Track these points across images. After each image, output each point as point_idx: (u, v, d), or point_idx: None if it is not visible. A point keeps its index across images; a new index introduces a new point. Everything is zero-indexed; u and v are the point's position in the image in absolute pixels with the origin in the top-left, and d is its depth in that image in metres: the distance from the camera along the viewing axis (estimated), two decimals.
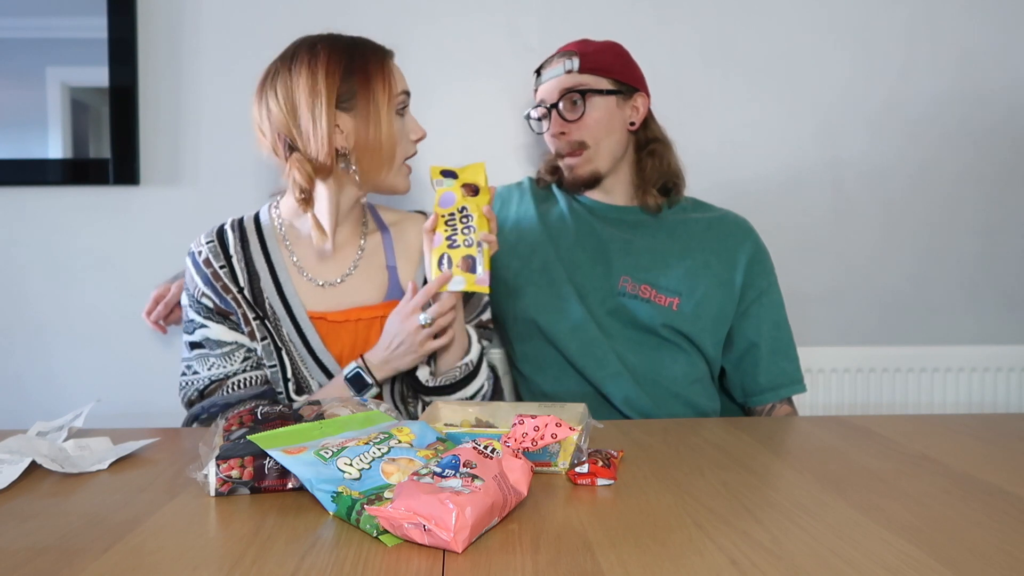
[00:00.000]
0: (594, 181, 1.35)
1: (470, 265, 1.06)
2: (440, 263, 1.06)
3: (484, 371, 1.17)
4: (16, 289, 1.63)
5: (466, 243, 1.06)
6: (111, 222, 1.63)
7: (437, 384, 1.13)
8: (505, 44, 1.66)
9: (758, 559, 0.61)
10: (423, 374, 1.14)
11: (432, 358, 1.16)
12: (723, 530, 0.67)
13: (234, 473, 0.77)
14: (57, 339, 1.63)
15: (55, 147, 1.59)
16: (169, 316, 1.34)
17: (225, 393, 1.12)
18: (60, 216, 1.62)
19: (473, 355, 1.15)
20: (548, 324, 1.30)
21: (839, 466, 0.87)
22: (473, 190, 1.09)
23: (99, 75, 1.58)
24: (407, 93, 1.13)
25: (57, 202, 1.62)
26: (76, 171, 1.60)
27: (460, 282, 1.06)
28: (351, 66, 1.08)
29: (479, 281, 1.05)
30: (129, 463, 0.89)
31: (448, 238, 1.06)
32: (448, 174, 1.10)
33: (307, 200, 1.08)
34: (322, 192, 1.13)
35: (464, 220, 1.07)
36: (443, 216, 1.07)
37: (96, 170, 1.60)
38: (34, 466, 0.85)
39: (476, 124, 1.67)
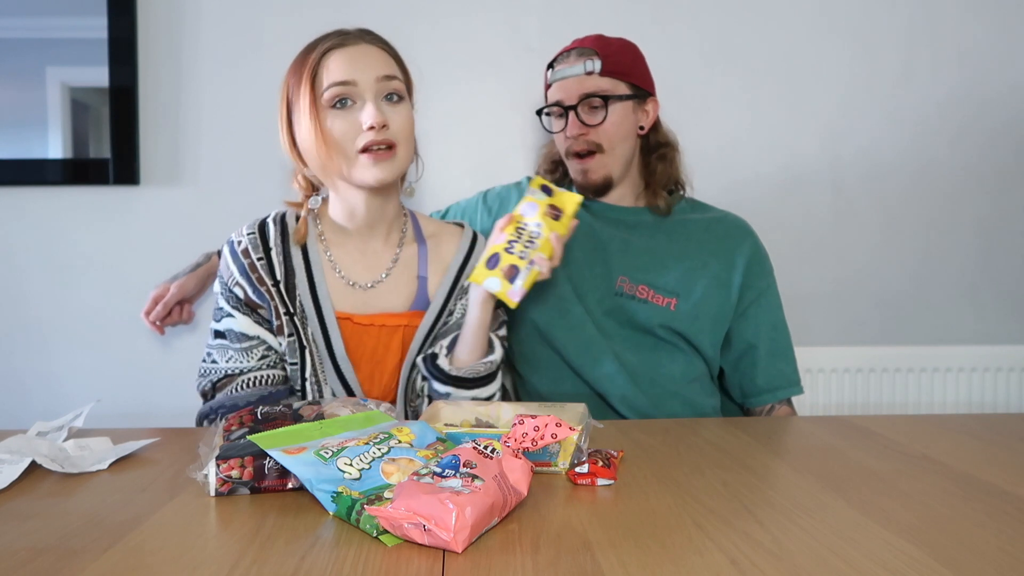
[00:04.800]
0: (606, 187, 1.34)
1: (512, 275, 1.07)
2: (489, 260, 1.08)
3: (499, 379, 1.17)
4: (16, 289, 1.63)
5: (520, 255, 1.07)
6: (111, 222, 1.63)
7: (460, 375, 1.11)
8: (505, 44, 1.66)
9: (758, 559, 0.61)
10: (444, 362, 1.13)
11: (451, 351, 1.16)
12: (723, 530, 0.67)
13: (234, 473, 0.77)
14: (57, 339, 1.63)
15: (55, 147, 1.59)
16: (167, 317, 1.34)
17: (234, 391, 1.12)
18: (60, 216, 1.62)
19: (496, 356, 1.15)
20: (546, 324, 1.30)
21: (839, 466, 0.87)
22: (555, 215, 1.11)
23: (99, 75, 1.58)
24: (344, 83, 1.06)
25: (57, 202, 1.62)
26: (76, 171, 1.60)
27: (495, 283, 1.07)
28: (291, 68, 1.12)
29: (511, 293, 1.06)
30: (129, 463, 0.89)
31: (509, 242, 1.08)
32: (546, 190, 1.13)
33: (299, 204, 1.17)
34: (333, 198, 1.17)
35: (533, 236, 1.08)
36: (517, 222, 1.10)
37: (96, 170, 1.60)
38: (34, 466, 0.85)
39: (476, 124, 1.67)
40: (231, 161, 1.64)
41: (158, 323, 1.34)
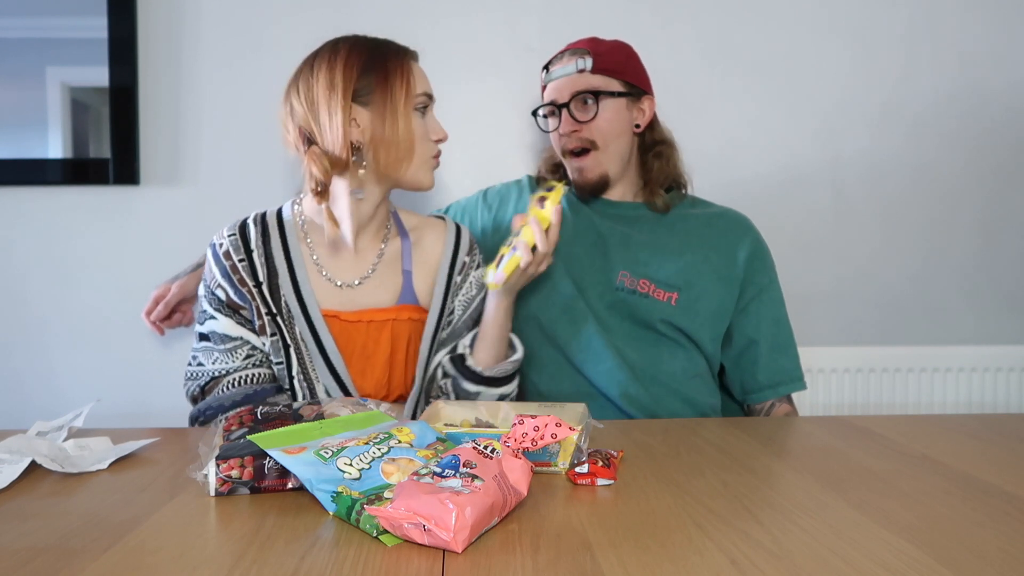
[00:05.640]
0: (603, 185, 1.34)
1: (498, 262, 1.12)
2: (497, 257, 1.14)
3: (517, 376, 1.23)
4: (16, 289, 1.63)
5: (508, 243, 1.13)
6: (111, 222, 1.63)
7: (491, 375, 1.17)
8: (505, 44, 1.66)
9: (758, 559, 0.61)
10: (472, 362, 1.17)
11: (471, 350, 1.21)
12: (723, 530, 0.67)
13: (234, 473, 0.77)
14: (57, 339, 1.63)
15: (55, 147, 1.59)
16: (169, 318, 1.34)
17: (222, 392, 1.12)
18: (60, 216, 1.62)
19: (520, 354, 1.21)
20: (549, 321, 1.30)
21: (839, 466, 0.87)
22: (540, 202, 1.15)
23: (99, 75, 1.58)
24: (428, 95, 1.15)
25: (57, 202, 1.62)
26: (76, 171, 1.60)
27: (487, 273, 1.12)
28: (370, 62, 1.10)
29: (493, 277, 1.12)
30: (129, 463, 0.89)
31: (511, 237, 1.14)
32: (550, 189, 1.17)
33: (322, 193, 1.10)
34: (342, 191, 1.14)
35: (521, 225, 1.14)
36: (523, 219, 1.15)
37: (96, 170, 1.60)
38: (34, 466, 0.85)
39: (477, 125, 1.67)
40: (231, 161, 1.64)
41: (159, 323, 1.34)
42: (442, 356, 1.20)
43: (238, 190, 1.63)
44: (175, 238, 1.61)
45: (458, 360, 1.18)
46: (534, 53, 1.62)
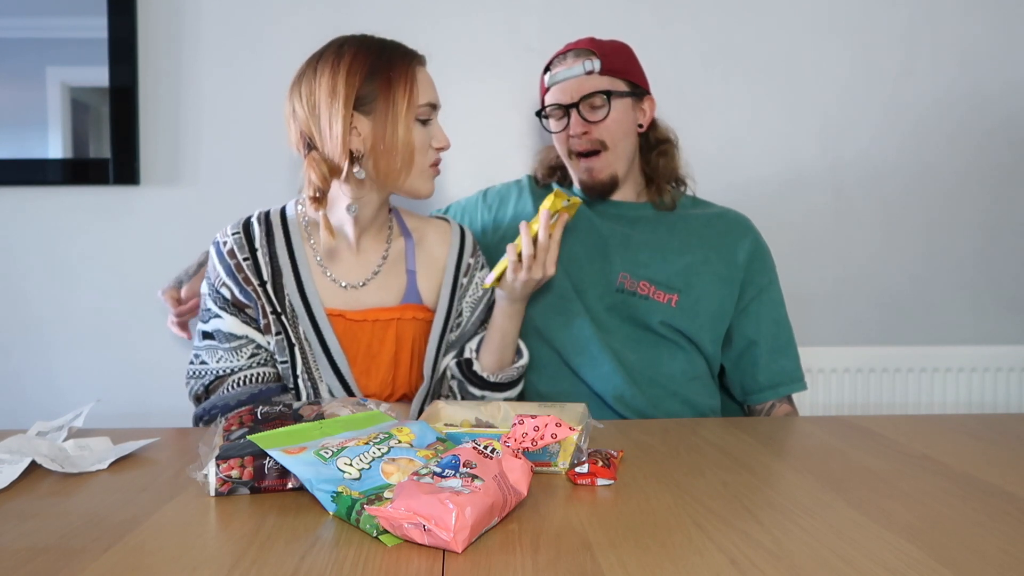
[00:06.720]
0: (613, 186, 1.34)
1: (494, 264, 1.18)
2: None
3: (523, 381, 1.26)
4: (16, 289, 1.63)
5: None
6: (111, 222, 1.63)
7: (498, 380, 1.19)
8: (505, 44, 1.66)
9: (758, 559, 0.61)
10: (479, 367, 1.19)
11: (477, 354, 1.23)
12: (723, 530, 0.67)
13: (234, 473, 0.77)
14: (57, 339, 1.63)
15: (55, 147, 1.59)
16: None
17: (227, 391, 1.12)
18: (60, 216, 1.62)
19: (525, 359, 1.23)
20: (544, 322, 1.30)
21: (839, 466, 0.87)
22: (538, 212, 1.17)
23: (99, 75, 1.58)
24: (433, 106, 1.13)
25: (57, 202, 1.62)
26: (76, 171, 1.60)
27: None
28: (374, 69, 1.08)
29: (486, 278, 1.17)
30: (129, 463, 0.89)
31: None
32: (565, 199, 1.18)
33: (320, 200, 1.09)
34: (343, 195, 1.14)
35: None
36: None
37: (96, 170, 1.60)
38: (34, 466, 0.85)
39: (476, 124, 1.67)
40: (231, 161, 1.64)
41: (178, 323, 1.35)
42: (450, 359, 1.21)
43: (238, 190, 1.63)
44: (175, 238, 1.61)
45: (464, 364, 1.20)
46: (534, 53, 1.62)
